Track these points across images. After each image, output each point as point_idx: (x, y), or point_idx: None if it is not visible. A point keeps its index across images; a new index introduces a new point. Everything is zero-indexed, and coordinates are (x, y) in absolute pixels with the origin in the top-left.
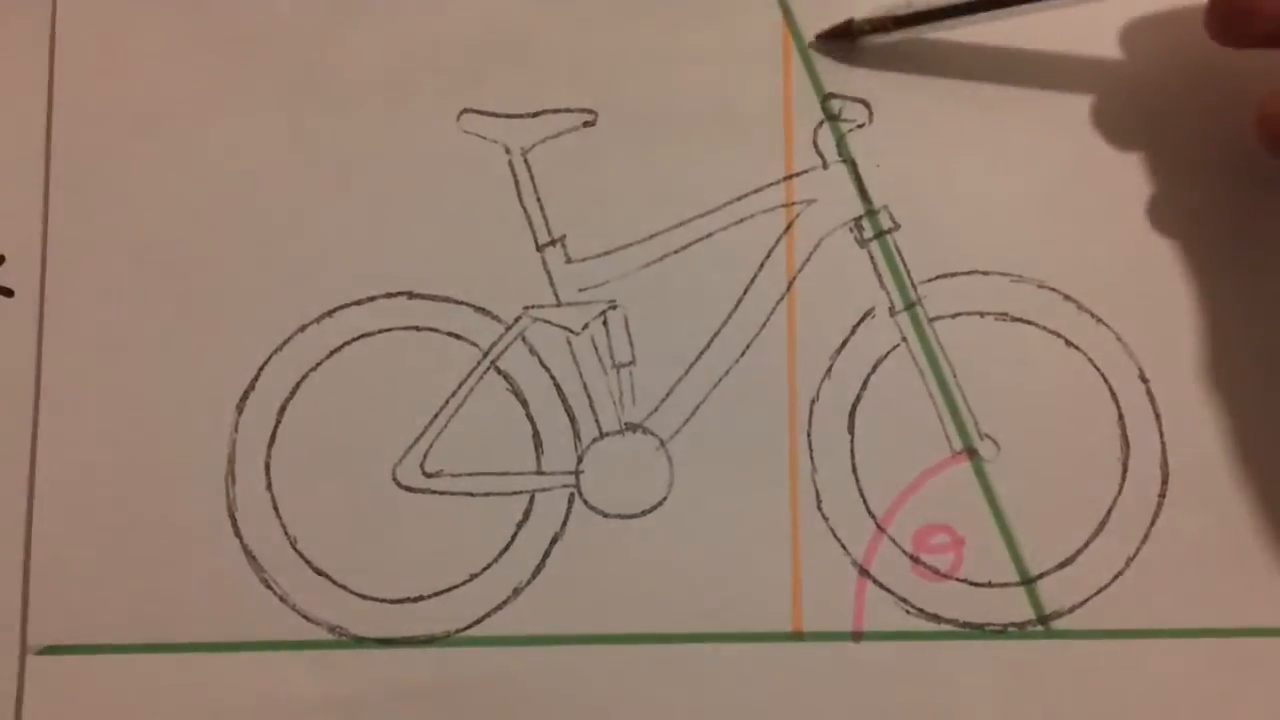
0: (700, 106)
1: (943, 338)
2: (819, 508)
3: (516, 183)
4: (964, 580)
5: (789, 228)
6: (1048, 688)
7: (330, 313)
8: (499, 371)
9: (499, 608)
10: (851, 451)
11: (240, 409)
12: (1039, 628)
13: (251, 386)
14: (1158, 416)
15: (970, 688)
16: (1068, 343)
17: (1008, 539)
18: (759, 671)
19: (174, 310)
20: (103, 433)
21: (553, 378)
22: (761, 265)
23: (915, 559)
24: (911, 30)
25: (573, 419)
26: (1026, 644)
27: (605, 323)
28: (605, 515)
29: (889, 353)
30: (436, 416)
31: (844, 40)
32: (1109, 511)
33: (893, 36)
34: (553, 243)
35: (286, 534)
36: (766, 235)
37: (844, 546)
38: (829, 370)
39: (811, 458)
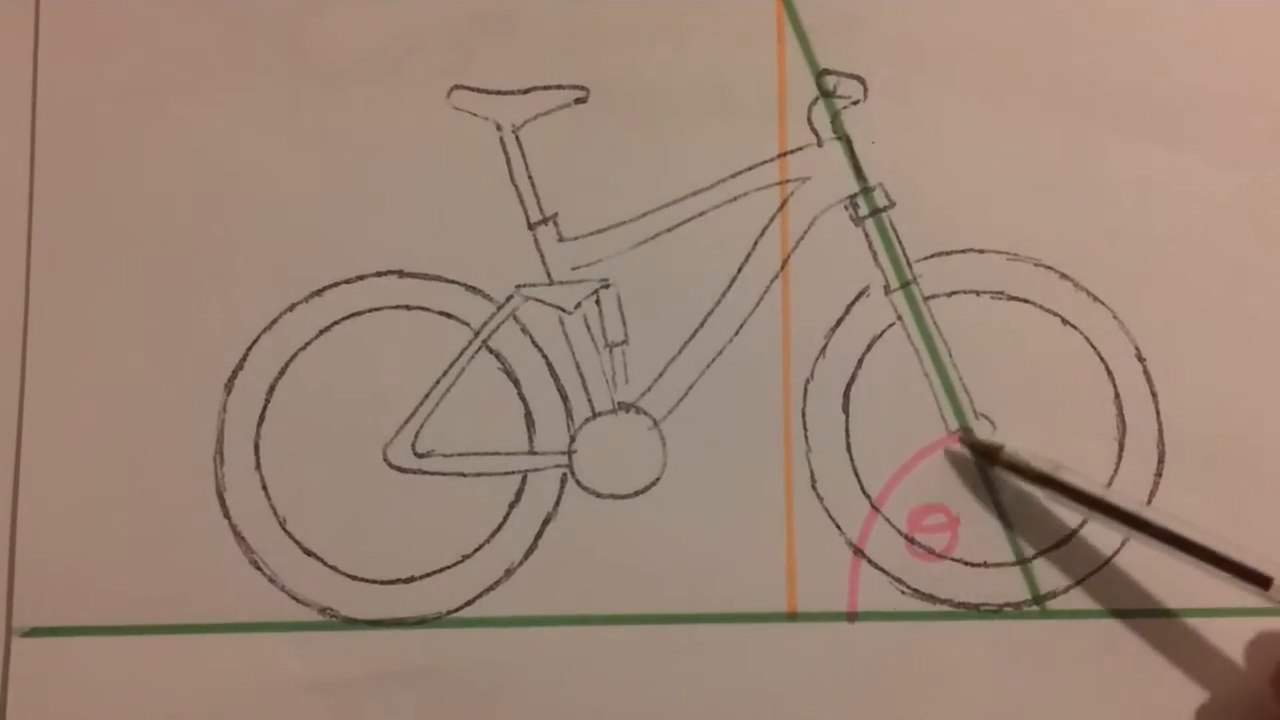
0: (693, 82)
1: (938, 316)
2: (814, 487)
3: (508, 160)
4: (959, 560)
5: (783, 205)
6: (1043, 667)
7: (320, 291)
8: (490, 351)
9: (491, 589)
10: (846, 431)
11: (229, 388)
12: (1034, 608)
13: (240, 365)
14: (1154, 396)
15: (965, 668)
16: (1064, 321)
17: (1003, 519)
18: (753, 652)
19: (162, 289)
20: (89, 412)
21: (545, 357)
22: (755, 243)
23: (910, 539)
24: (1049, 491)
25: (565, 398)
26: (1022, 624)
27: (598, 301)
28: (598, 495)
29: (884, 331)
30: (428, 396)
31: (984, 456)
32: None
33: (1029, 487)
34: (544, 221)
35: (276, 514)
36: (760, 213)
37: (839, 526)
38: (823, 349)
39: (806, 437)
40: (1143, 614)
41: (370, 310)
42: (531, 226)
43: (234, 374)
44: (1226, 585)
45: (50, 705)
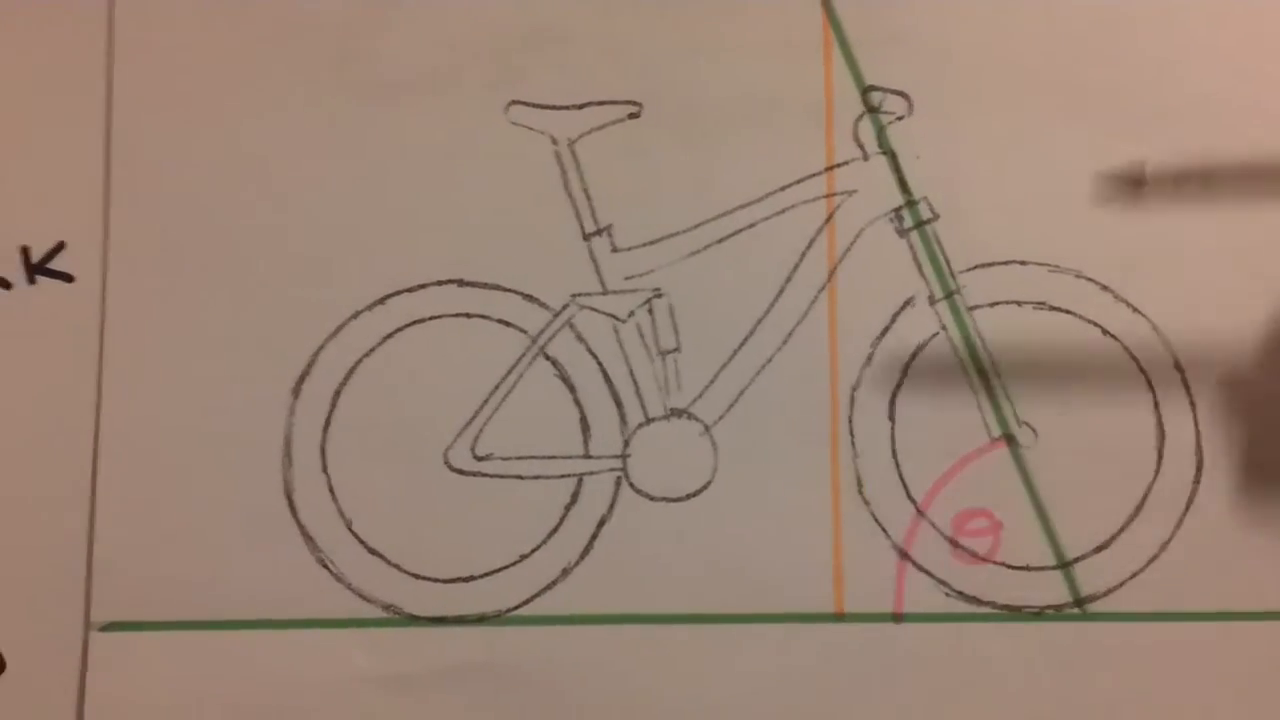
0: (743, 98)
1: (981, 326)
2: (860, 492)
3: (563, 173)
4: (1002, 563)
5: (830, 218)
6: (1084, 669)
7: (383, 299)
8: (547, 358)
9: (548, 588)
10: (892, 437)
11: (296, 393)
12: (1076, 610)
13: (307, 371)
14: (1193, 404)
15: (1008, 669)
16: (1104, 331)
17: (1045, 523)
18: (801, 651)
19: (231, 296)
20: (163, 418)
21: (599, 364)
22: (803, 254)
23: (954, 542)
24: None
25: (619, 404)
26: (1063, 626)
27: (651, 310)
28: (651, 498)
29: (928, 341)
30: (486, 401)
31: (1131, 183)
32: (1144, 497)
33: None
34: (599, 232)
35: (342, 515)
36: (808, 225)
37: (885, 530)
38: (869, 358)
39: (853, 443)
40: (1183, 617)
41: (431, 318)
42: (586, 237)
43: (301, 380)
44: (1268, 589)
45: (127, 696)
